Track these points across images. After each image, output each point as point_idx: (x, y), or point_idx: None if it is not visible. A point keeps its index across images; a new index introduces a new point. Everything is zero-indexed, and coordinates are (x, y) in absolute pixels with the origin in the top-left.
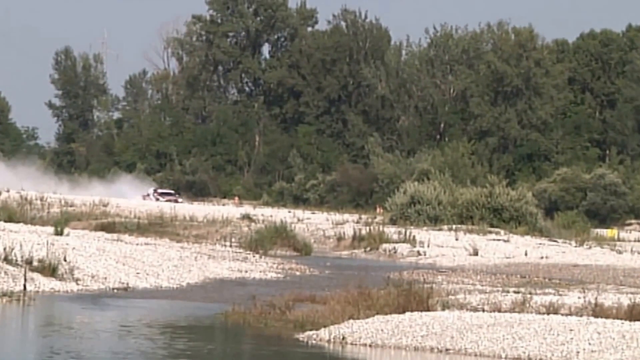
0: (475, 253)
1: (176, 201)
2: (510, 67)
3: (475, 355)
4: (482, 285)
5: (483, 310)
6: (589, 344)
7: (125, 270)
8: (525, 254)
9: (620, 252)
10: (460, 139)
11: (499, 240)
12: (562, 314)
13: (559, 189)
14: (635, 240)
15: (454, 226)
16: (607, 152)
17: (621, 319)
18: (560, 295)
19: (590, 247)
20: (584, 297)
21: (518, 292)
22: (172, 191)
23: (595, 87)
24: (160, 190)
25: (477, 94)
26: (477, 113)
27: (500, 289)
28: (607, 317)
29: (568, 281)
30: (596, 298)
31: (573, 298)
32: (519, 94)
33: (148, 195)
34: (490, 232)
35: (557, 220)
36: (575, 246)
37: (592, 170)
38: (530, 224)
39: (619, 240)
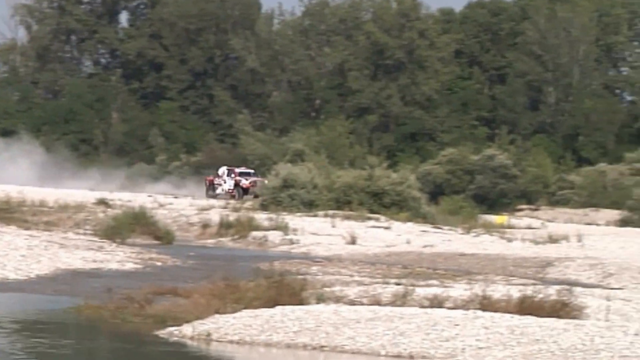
0: (353, 241)
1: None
2: (391, 39)
3: (353, 352)
4: (361, 277)
5: (361, 304)
6: (476, 340)
7: None
8: (408, 243)
9: (510, 240)
10: (338, 116)
11: (379, 227)
12: (447, 308)
13: (445, 171)
14: (526, 227)
15: (330, 212)
16: (497, 131)
17: (511, 312)
18: (446, 287)
19: (478, 235)
20: (471, 289)
21: (399, 284)
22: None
23: (484, 60)
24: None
25: (355, 67)
26: (355, 88)
27: (380, 280)
28: (495, 310)
29: (454, 272)
30: (484, 290)
31: (459, 290)
32: (402, 67)
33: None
34: (370, 219)
35: (442, 206)
36: (462, 234)
37: (480, 151)
38: (413, 209)
39: (509, 227)
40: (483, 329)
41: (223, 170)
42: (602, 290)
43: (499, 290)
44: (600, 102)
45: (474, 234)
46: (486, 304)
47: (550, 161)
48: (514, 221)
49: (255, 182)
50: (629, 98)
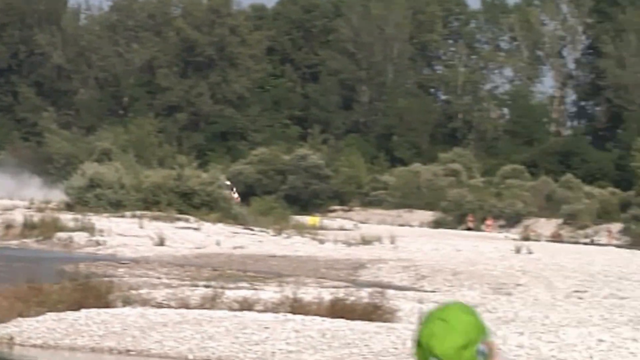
0: (162, 243)
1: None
2: (202, 35)
3: (160, 356)
4: (169, 279)
5: (169, 307)
6: (287, 343)
7: None
8: (218, 244)
9: (322, 242)
10: (146, 114)
11: (188, 228)
12: (257, 311)
13: (256, 171)
14: (339, 229)
15: (138, 212)
16: (310, 130)
17: (322, 315)
18: (256, 289)
19: (289, 236)
20: (282, 292)
21: (209, 286)
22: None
23: (297, 58)
24: None
25: (165, 64)
26: (164, 86)
27: (189, 282)
28: (306, 313)
29: (264, 274)
30: (295, 293)
31: (269, 293)
32: (212, 65)
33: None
34: (179, 219)
35: (253, 206)
36: (273, 235)
37: (292, 150)
38: (223, 210)
39: (321, 228)
40: (294, 332)
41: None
42: (415, 293)
43: (310, 293)
44: (415, 102)
45: (286, 236)
46: (297, 307)
47: (364, 161)
48: (326, 222)
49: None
50: (443, 97)
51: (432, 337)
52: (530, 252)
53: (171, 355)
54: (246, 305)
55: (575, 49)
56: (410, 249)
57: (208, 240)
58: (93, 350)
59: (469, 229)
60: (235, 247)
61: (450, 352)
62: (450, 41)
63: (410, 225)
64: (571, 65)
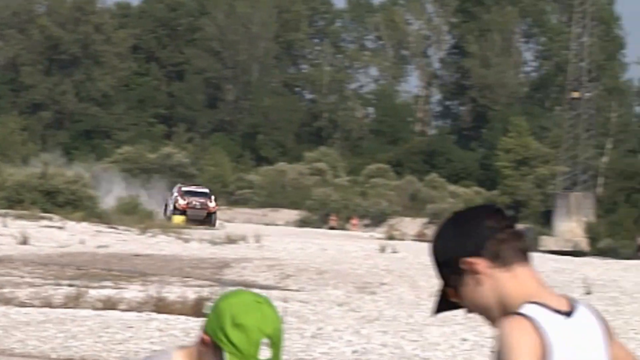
0: (25, 241)
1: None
2: (66, 33)
3: (23, 355)
4: (32, 278)
5: (32, 306)
6: (150, 342)
7: None
8: (82, 243)
9: (187, 241)
10: (10, 112)
11: (52, 226)
12: (121, 310)
13: (122, 169)
14: (204, 228)
15: (1, 211)
16: (175, 129)
17: (186, 314)
18: (120, 288)
19: (154, 235)
20: (146, 291)
21: (72, 285)
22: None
23: (162, 56)
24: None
25: (29, 62)
26: (28, 84)
27: (53, 281)
28: (170, 312)
29: (129, 273)
30: (159, 292)
31: (133, 292)
32: (77, 63)
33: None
34: (43, 218)
35: (118, 205)
36: (138, 234)
37: (157, 149)
38: (88, 208)
39: (186, 227)
40: (157, 332)
41: (176, 187)
42: (280, 292)
43: (174, 292)
44: (280, 100)
45: (150, 234)
46: (161, 306)
47: (229, 160)
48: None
49: (200, 204)
50: (308, 96)
51: (264, 319)
52: (394, 251)
53: (34, 354)
54: (110, 305)
55: (440, 49)
56: (276, 248)
57: (72, 239)
58: None
59: (332, 228)
60: (99, 246)
61: (278, 331)
62: (316, 40)
63: (276, 224)
64: (436, 65)
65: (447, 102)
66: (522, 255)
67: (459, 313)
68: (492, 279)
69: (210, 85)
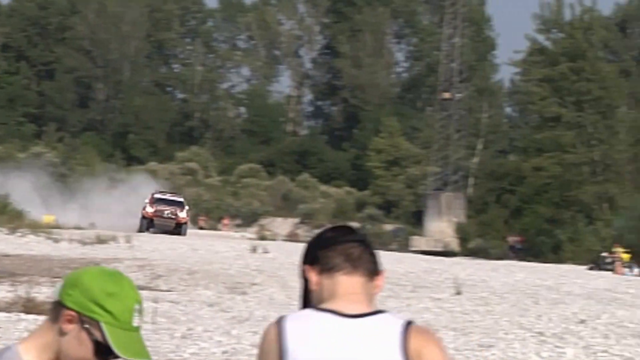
0: None
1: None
2: None
3: None
4: None
5: None
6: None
7: None
8: None
9: (57, 241)
10: None
11: None
12: None
13: None
14: (74, 228)
15: None
16: (45, 128)
17: None
18: None
19: (24, 235)
20: (15, 291)
21: None
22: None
23: (32, 55)
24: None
25: None
26: None
27: None
28: (40, 313)
29: None
30: (28, 292)
31: (2, 292)
32: None
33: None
34: None
35: None
36: (7, 234)
37: (27, 148)
38: None
39: (56, 227)
40: (27, 332)
41: (150, 194)
42: (150, 292)
43: (43, 292)
44: (151, 100)
45: (20, 234)
46: (30, 306)
47: (100, 159)
48: (62, 221)
49: (169, 212)
50: (180, 96)
51: (131, 285)
52: (266, 252)
53: None
54: None
55: (311, 49)
56: (146, 248)
57: None
58: None
59: (201, 228)
60: None
61: (140, 297)
62: (188, 39)
63: None
64: (308, 65)
65: (319, 102)
66: (350, 266)
67: None
68: (319, 285)
69: (81, 84)
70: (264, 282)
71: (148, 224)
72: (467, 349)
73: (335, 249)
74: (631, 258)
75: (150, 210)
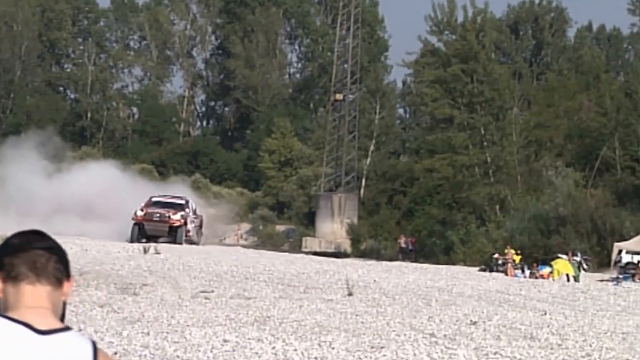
0: None
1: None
2: None
3: None
4: None
5: None
6: None
7: None
8: None
9: None
10: None
11: None
12: None
13: None
14: None
15: None
16: None
17: None
18: None
19: None
20: None
21: None
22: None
23: None
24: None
25: None
26: None
27: None
28: None
29: None
30: None
31: None
32: None
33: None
34: None
35: None
36: None
37: None
38: None
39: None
40: None
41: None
42: None
43: None
44: (43, 100)
45: None
46: None
47: None
48: None
49: (159, 215)
50: (72, 96)
51: None
52: (157, 252)
53: None
54: None
55: (204, 49)
56: None
57: None
58: None
59: None
60: None
61: None
62: (80, 39)
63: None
64: (201, 66)
65: (211, 103)
66: (34, 275)
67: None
68: (3, 292)
69: None
70: (155, 282)
71: (139, 231)
72: (359, 350)
73: (19, 257)
74: (522, 260)
75: (139, 213)
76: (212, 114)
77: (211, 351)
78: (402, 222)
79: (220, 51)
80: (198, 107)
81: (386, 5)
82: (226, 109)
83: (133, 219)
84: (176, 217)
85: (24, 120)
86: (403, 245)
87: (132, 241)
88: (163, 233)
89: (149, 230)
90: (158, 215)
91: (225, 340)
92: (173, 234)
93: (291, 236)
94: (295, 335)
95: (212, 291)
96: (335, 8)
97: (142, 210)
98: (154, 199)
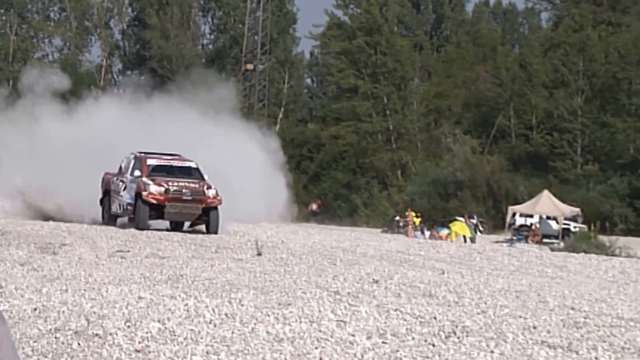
0: None
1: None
2: None
3: None
4: None
5: None
6: None
7: None
8: None
9: None
10: None
11: None
12: None
13: None
14: None
15: None
16: None
17: None
18: None
19: None
20: None
21: None
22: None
23: None
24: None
25: None
26: None
27: None
28: None
29: None
30: None
31: None
32: None
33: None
34: None
35: None
36: None
37: None
38: None
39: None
40: None
41: (129, 158)
42: None
43: None
44: None
45: None
46: None
47: None
48: None
49: (191, 191)
50: None
51: None
52: None
53: None
54: None
55: (121, 21)
56: None
57: None
58: None
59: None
60: None
61: None
62: (2, 10)
63: None
64: (118, 36)
65: (128, 72)
66: None
67: (135, 273)
68: None
69: None
70: (74, 242)
71: (155, 215)
72: (267, 307)
73: None
74: (422, 222)
75: (155, 189)
76: (129, 82)
77: (126, 307)
78: (309, 186)
79: (136, 22)
80: (115, 76)
81: None
82: (142, 77)
83: (143, 198)
84: (212, 193)
85: None
86: (314, 209)
87: (141, 228)
88: (192, 217)
89: (172, 214)
90: (189, 191)
91: (140, 297)
92: (205, 219)
93: None
94: (207, 293)
95: (128, 251)
96: None
97: (155, 184)
98: (150, 162)
